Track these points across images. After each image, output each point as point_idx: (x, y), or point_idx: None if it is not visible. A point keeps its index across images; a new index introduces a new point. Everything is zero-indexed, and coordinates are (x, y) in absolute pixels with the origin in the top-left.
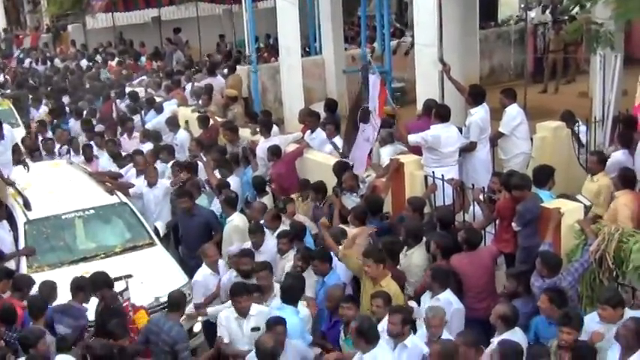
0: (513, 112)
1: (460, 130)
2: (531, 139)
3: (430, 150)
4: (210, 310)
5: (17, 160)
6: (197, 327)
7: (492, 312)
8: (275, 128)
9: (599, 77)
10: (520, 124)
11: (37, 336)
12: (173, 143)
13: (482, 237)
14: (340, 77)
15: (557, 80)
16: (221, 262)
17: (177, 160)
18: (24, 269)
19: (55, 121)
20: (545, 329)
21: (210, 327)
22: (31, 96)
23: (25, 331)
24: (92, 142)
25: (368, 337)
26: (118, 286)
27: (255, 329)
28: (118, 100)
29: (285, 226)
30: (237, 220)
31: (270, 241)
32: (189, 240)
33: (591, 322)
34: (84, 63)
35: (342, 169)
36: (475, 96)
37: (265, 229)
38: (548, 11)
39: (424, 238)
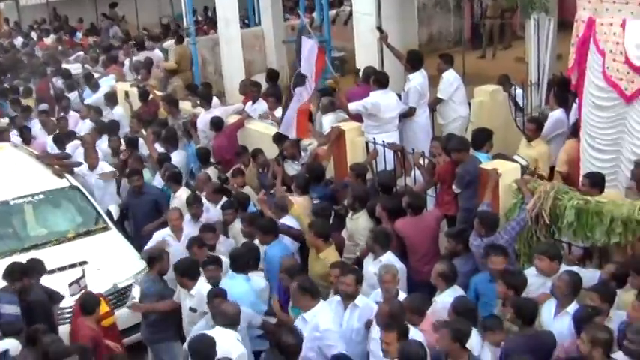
0: (450, 78)
1: (399, 96)
2: (469, 104)
3: (370, 117)
4: None
5: None
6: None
7: (432, 271)
8: (216, 100)
9: (534, 41)
10: (457, 89)
11: None
12: (111, 118)
13: (425, 201)
14: (280, 48)
15: (494, 46)
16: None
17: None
18: None
19: None
20: (486, 287)
21: None
22: None
23: None
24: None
25: (311, 294)
26: (74, 274)
27: (192, 310)
28: (54, 78)
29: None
30: (184, 195)
31: (213, 213)
32: (138, 219)
33: (528, 275)
34: (18, 41)
35: (282, 138)
36: (413, 62)
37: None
38: None
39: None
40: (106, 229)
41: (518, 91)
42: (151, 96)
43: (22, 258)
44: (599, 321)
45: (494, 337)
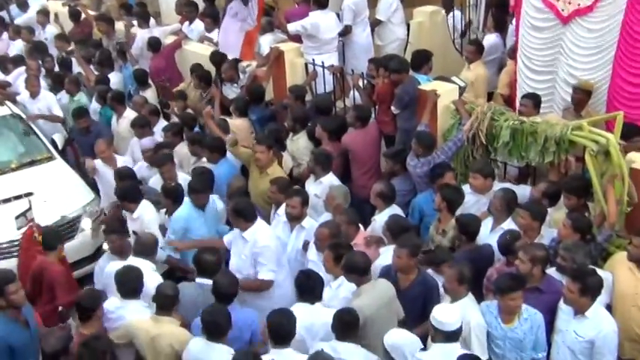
0: None
1: (339, 17)
2: (408, 26)
3: (310, 37)
4: None
5: None
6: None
7: (371, 191)
8: (152, 21)
9: None
10: (396, 11)
11: None
12: (43, 38)
13: (371, 112)
14: None
15: None
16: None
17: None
18: None
19: None
20: (429, 207)
21: None
22: None
23: None
24: None
25: (245, 216)
26: (20, 206)
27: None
28: None
29: None
30: (131, 116)
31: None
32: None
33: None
34: None
35: (220, 59)
36: None
37: None
38: None
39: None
40: (50, 158)
41: (457, 13)
42: (83, 16)
43: None
44: (530, 239)
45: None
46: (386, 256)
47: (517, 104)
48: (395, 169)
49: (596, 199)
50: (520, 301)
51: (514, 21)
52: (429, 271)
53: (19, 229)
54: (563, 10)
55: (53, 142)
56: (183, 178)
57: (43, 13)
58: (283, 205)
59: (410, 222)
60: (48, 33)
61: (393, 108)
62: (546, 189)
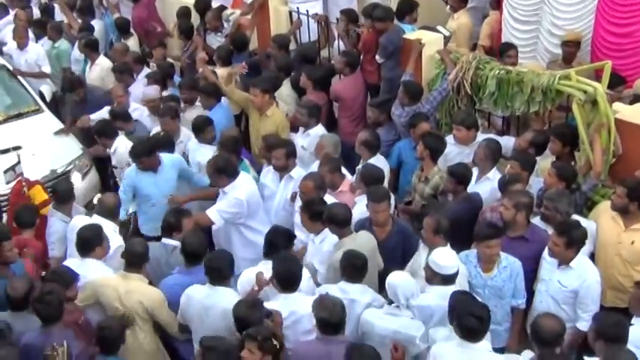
0: None
1: None
2: None
3: None
4: None
5: None
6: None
7: (356, 140)
8: None
9: None
10: None
11: None
12: None
13: (360, 59)
14: None
15: None
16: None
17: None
18: None
19: None
20: (408, 154)
21: None
22: None
23: None
24: None
25: (227, 172)
26: (9, 160)
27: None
28: None
29: None
30: (105, 63)
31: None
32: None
33: (447, 145)
34: None
35: (204, 7)
36: None
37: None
38: None
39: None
40: (38, 111)
41: None
42: None
43: None
44: (520, 187)
45: None
46: (360, 206)
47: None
48: (380, 118)
49: (582, 148)
50: (497, 250)
51: None
52: None
53: (7, 183)
54: None
55: (41, 95)
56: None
57: None
58: None
59: (382, 172)
60: None
61: (377, 57)
62: (533, 138)
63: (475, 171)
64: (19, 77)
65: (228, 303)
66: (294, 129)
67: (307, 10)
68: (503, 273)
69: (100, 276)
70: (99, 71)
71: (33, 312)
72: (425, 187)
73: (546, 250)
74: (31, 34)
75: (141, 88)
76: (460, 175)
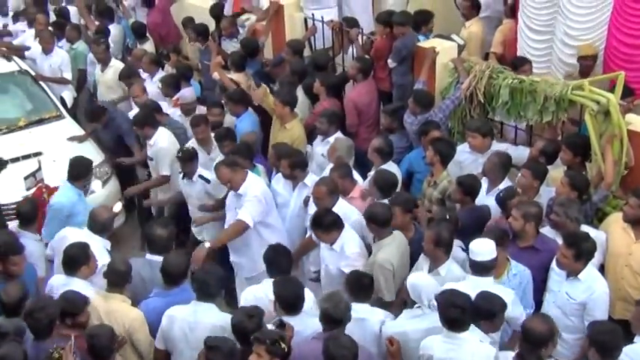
0: None
1: None
2: None
3: None
4: None
5: None
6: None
7: (369, 146)
8: None
9: None
10: None
11: None
12: None
13: (373, 64)
14: None
15: None
16: None
17: None
18: None
19: None
20: (419, 163)
21: None
22: None
23: None
24: None
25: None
26: (29, 166)
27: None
28: None
29: None
30: (117, 65)
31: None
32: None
33: (462, 153)
34: None
35: (219, 12)
36: None
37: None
38: None
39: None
40: (59, 117)
41: None
42: None
43: None
44: (529, 197)
45: None
46: None
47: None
48: (393, 125)
49: (594, 159)
50: (502, 256)
51: None
52: None
53: (28, 189)
54: None
55: (62, 100)
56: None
57: None
58: None
59: (397, 178)
60: None
61: (389, 61)
62: (544, 147)
63: (485, 182)
64: (42, 83)
65: (216, 319)
66: (310, 136)
67: (322, 17)
68: (512, 280)
69: None
70: (113, 73)
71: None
72: (433, 192)
73: (554, 261)
74: None
75: (155, 89)
76: (468, 185)
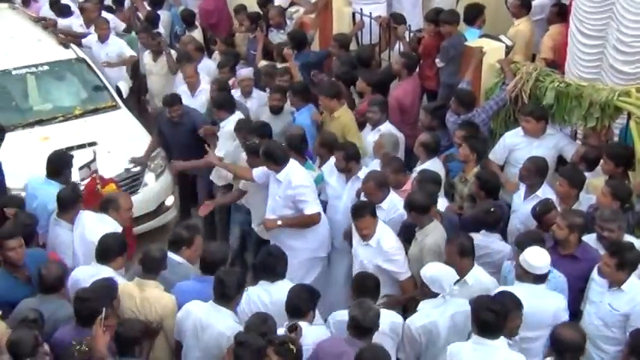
0: None
1: None
2: None
3: None
4: None
5: None
6: (169, 200)
7: (416, 141)
8: None
9: None
10: None
11: None
12: None
13: (417, 61)
14: None
15: None
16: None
17: None
18: None
19: None
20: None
21: None
22: None
23: None
24: None
25: (275, 159)
26: (83, 156)
27: None
28: None
29: None
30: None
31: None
32: (175, 152)
33: (515, 136)
34: None
35: (266, 1)
36: None
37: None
38: None
39: None
40: (115, 107)
41: None
42: None
43: (26, 134)
44: (568, 206)
45: None
46: None
47: (566, 68)
48: (433, 124)
49: (638, 168)
50: None
51: None
52: None
53: (82, 180)
54: None
55: (118, 90)
56: None
57: None
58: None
59: (439, 176)
60: None
61: (437, 60)
62: (586, 153)
63: (523, 187)
64: (98, 71)
65: (226, 327)
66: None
67: (370, 12)
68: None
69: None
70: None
71: (62, 297)
72: (464, 188)
73: (595, 271)
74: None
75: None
76: (484, 181)
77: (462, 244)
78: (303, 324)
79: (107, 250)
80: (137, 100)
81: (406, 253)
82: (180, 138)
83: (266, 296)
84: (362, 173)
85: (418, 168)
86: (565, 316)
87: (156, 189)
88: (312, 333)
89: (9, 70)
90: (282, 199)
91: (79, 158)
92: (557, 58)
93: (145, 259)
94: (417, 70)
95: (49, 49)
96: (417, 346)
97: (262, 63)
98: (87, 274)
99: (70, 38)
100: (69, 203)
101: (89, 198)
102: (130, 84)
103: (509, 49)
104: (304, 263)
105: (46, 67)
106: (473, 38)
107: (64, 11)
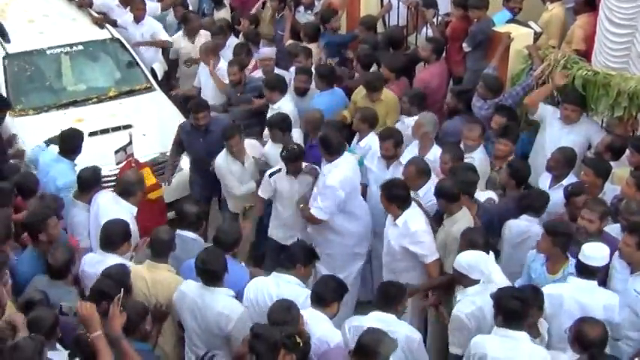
0: None
1: None
2: None
3: None
4: None
5: None
6: None
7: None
8: None
9: None
10: None
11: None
12: None
13: (445, 45)
14: None
15: None
16: None
17: None
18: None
19: None
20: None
21: None
22: None
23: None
24: None
25: (328, 148)
26: (119, 139)
27: None
28: None
29: None
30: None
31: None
32: (198, 161)
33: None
34: None
35: None
36: None
37: None
38: None
39: None
40: (150, 89)
41: None
42: None
43: (60, 115)
44: (593, 195)
45: None
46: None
47: (593, 57)
48: (458, 106)
49: None
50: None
51: None
52: None
53: (117, 163)
54: None
55: (152, 72)
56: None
57: None
58: (367, 137)
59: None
60: None
61: (464, 45)
62: (611, 142)
63: (549, 176)
64: (133, 52)
65: (223, 306)
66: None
67: None
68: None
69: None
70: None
71: (70, 283)
72: (497, 176)
73: (616, 258)
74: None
75: (228, 53)
76: (515, 169)
77: (472, 239)
78: (317, 316)
79: (111, 238)
80: (166, 84)
81: None
82: (208, 147)
83: (274, 288)
84: (403, 159)
85: (467, 155)
86: (616, 316)
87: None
88: (321, 329)
89: (43, 50)
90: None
91: (115, 141)
92: (589, 47)
93: (153, 242)
94: (444, 54)
95: (84, 29)
96: (467, 333)
97: (290, 42)
98: (94, 260)
99: (105, 18)
100: (89, 185)
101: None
102: (165, 67)
103: (537, 36)
104: (342, 257)
105: (80, 47)
106: (503, 20)
107: None
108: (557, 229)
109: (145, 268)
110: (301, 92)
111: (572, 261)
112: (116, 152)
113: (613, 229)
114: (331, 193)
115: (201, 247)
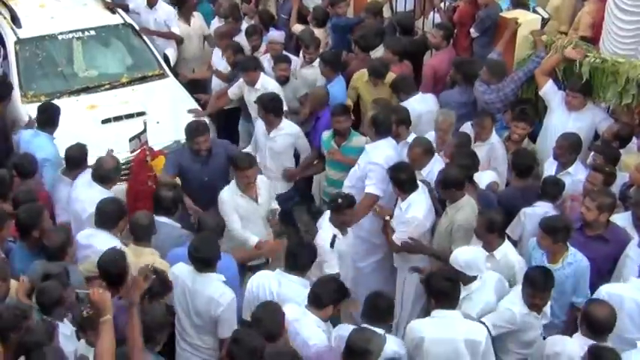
0: None
1: None
2: None
3: None
4: None
5: None
6: None
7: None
8: None
9: None
10: None
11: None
12: None
13: (454, 30)
14: None
15: None
16: None
17: None
18: (18, 99)
19: None
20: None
21: None
22: None
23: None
24: None
25: (378, 127)
26: (133, 126)
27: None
28: None
29: None
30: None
31: None
32: (194, 190)
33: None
34: None
35: None
36: None
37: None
38: None
39: None
40: (163, 75)
41: None
42: None
43: (73, 101)
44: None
45: None
46: None
47: (600, 44)
48: (456, 77)
49: None
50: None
51: None
52: None
53: (132, 151)
54: None
55: (165, 58)
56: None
57: None
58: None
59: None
60: None
61: (472, 30)
62: (619, 130)
63: (555, 164)
64: (145, 38)
65: (213, 290)
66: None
67: None
68: (567, 268)
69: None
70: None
71: (70, 263)
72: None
73: (630, 246)
74: None
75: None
76: (519, 160)
77: (492, 219)
78: (307, 316)
79: (107, 216)
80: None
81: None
82: (211, 175)
83: (275, 285)
84: (411, 138)
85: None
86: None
87: None
88: (307, 330)
89: (55, 35)
90: (358, 170)
91: (128, 128)
92: (596, 34)
93: (133, 227)
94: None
95: (96, 14)
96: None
97: (297, 27)
98: (84, 235)
99: (117, 2)
100: (75, 163)
101: (138, 170)
102: (177, 53)
103: (545, 22)
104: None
105: (92, 32)
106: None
107: None
108: (556, 226)
109: (131, 252)
110: (282, 81)
111: (572, 250)
112: (131, 140)
113: (621, 217)
114: (377, 170)
115: (179, 233)
